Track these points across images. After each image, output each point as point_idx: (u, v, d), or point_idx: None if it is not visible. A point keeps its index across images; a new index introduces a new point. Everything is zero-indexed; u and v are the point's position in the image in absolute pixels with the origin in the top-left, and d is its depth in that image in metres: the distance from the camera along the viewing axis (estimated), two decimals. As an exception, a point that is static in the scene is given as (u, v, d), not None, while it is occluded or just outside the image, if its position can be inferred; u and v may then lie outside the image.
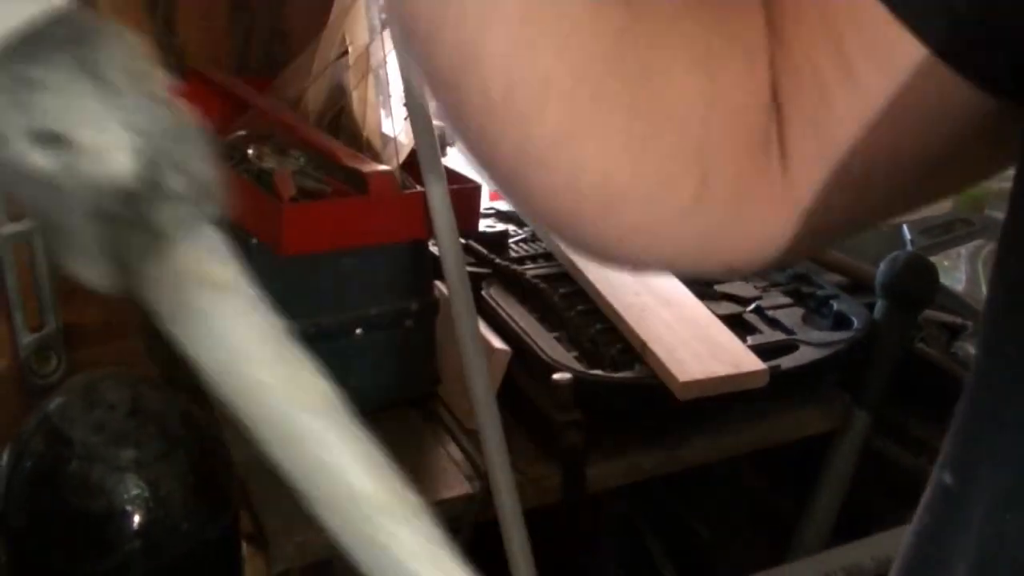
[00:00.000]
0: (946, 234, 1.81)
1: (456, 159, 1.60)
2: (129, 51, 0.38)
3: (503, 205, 1.85)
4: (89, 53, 0.37)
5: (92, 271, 0.39)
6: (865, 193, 0.51)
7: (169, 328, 0.39)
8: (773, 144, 0.50)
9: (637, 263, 0.57)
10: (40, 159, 0.36)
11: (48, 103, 0.36)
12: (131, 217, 0.37)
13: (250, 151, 1.40)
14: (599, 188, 0.50)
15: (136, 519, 1.09)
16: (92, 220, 0.37)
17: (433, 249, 1.46)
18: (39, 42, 0.36)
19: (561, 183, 0.50)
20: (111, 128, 0.36)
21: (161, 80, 0.38)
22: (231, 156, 1.42)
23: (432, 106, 1.34)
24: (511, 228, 1.78)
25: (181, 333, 0.39)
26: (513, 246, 1.74)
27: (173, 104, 0.38)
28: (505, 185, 0.52)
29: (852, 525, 1.52)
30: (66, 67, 0.36)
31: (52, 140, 0.36)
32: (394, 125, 1.47)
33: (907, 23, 0.45)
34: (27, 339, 1.58)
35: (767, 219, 0.52)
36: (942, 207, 1.87)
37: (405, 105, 1.36)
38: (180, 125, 0.38)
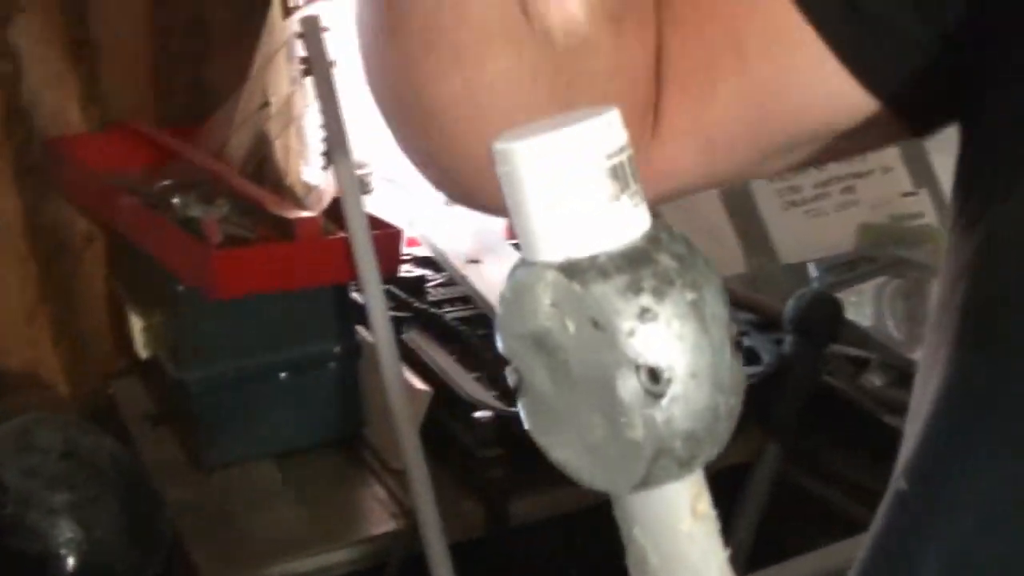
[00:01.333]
0: (851, 271, 1.87)
1: (377, 205, 1.63)
2: (722, 293, 0.36)
3: (420, 250, 1.89)
4: (696, 290, 0.34)
5: (593, 472, 0.38)
6: (723, 161, 0.53)
7: (638, 539, 0.39)
8: (650, 116, 0.51)
9: None
10: (629, 387, 0.34)
11: (656, 336, 0.34)
12: (683, 458, 0.36)
13: (175, 200, 1.43)
14: None
15: (71, 561, 1.10)
16: (644, 455, 0.35)
17: (355, 295, 1.50)
18: (644, 266, 0.34)
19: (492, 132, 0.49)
20: (703, 380, 0.34)
21: (733, 328, 0.37)
22: (157, 205, 1.45)
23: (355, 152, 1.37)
24: (428, 273, 1.82)
25: (654, 547, 0.39)
26: (431, 290, 1.77)
27: (738, 356, 0.36)
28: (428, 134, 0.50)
29: (767, 554, 1.55)
30: (678, 302, 0.34)
31: (648, 373, 0.34)
32: (314, 174, 1.51)
33: (807, 13, 0.46)
34: (-48, 390, 1.59)
35: None
36: (847, 245, 1.94)
37: (326, 154, 1.40)
38: (741, 378, 0.36)
